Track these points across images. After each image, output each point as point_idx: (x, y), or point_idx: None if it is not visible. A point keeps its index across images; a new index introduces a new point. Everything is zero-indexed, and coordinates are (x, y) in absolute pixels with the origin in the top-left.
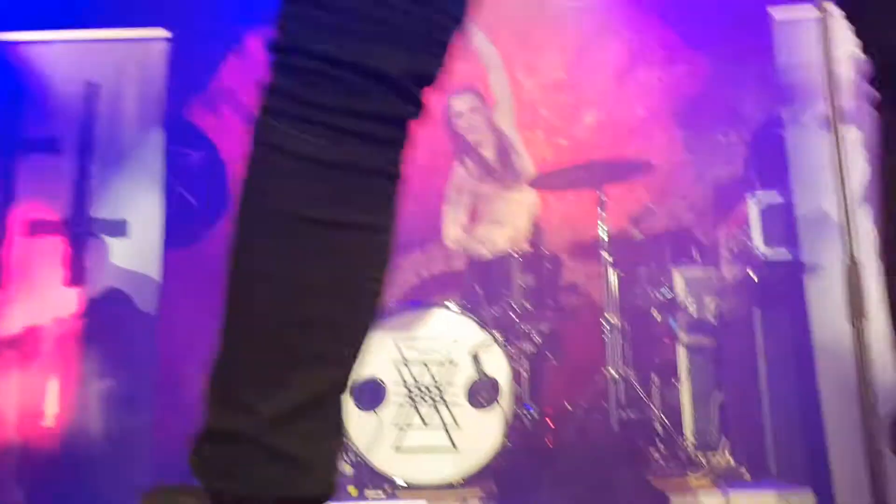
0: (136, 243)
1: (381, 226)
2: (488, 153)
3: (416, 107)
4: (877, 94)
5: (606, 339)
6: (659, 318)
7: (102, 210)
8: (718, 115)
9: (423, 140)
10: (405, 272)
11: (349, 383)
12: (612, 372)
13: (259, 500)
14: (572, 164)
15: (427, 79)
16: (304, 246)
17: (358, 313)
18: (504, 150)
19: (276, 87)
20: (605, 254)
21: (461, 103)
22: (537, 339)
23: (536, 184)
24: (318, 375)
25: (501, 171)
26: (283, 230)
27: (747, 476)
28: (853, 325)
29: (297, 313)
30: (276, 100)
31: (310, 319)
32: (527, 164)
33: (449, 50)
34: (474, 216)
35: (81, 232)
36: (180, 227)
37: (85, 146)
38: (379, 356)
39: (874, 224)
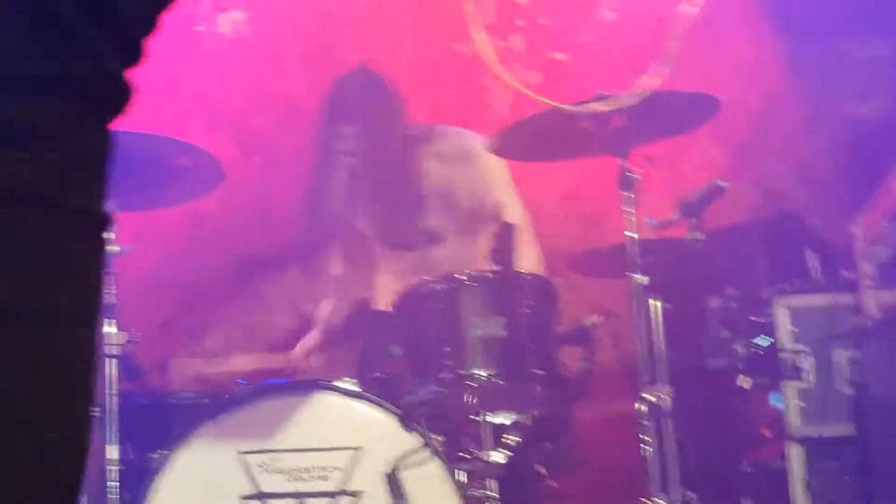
0: None
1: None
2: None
3: None
4: None
5: (648, 440)
6: (748, 387)
7: None
8: (849, 9)
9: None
10: (266, 315)
11: None
12: (660, 501)
13: None
14: (572, 102)
15: None
16: None
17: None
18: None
19: None
20: (637, 276)
21: None
22: (516, 439)
23: (501, 146)
24: None
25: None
26: None
27: None
28: None
29: None
30: None
31: None
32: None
33: None
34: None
35: None
36: None
37: None
38: (211, 488)
39: None
